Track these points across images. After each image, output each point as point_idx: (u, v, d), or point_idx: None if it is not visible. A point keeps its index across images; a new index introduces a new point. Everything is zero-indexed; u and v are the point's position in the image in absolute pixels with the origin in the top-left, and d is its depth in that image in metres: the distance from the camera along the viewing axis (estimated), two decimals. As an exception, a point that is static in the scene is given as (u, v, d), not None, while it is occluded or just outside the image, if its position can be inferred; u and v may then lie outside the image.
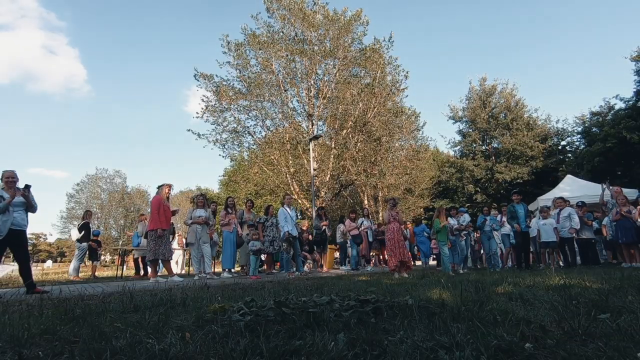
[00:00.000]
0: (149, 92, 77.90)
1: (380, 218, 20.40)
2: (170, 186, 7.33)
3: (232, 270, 8.61)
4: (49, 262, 47.39)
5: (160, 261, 7.44)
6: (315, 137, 14.29)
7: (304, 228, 10.50)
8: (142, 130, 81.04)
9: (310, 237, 10.54)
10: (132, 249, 10.38)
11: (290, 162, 16.31)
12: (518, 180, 25.28)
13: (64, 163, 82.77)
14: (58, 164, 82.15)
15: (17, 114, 71.51)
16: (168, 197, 7.31)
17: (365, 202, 20.96)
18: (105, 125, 76.95)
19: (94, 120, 75.85)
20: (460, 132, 30.12)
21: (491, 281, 4.13)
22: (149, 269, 7.70)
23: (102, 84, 76.16)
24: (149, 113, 79.75)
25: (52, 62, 72.38)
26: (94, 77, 75.49)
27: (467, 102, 29.59)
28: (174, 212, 7.39)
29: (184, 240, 11.68)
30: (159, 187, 7.28)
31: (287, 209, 8.27)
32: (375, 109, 16.47)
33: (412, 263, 8.23)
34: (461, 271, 7.93)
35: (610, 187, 8.39)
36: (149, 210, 7.66)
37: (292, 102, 16.52)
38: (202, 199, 8.06)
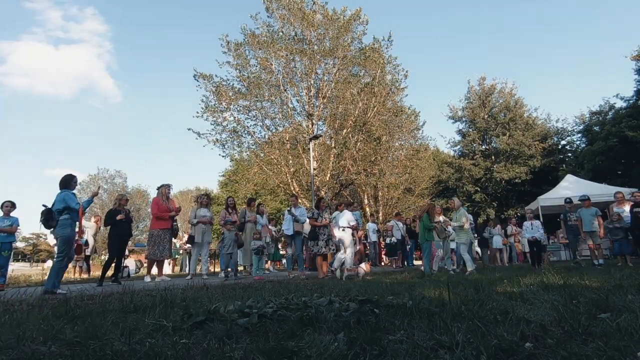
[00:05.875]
0: (153, 92, 77.48)
1: (381, 218, 20.40)
2: (169, 186, 7.37)
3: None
4: (49, 262, 47.37)
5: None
6: (315, 137, 14.28)
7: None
8: (145, 131, 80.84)
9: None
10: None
11: (290, 161, 16.30)
12: (516, 180, 25.28)
13: (71, 164, 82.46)
14: (69, 164, 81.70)
15: (27, 117, 71.17)
16: (167, 197, 7.33)
17: (366, 201, 20.95)
18: (109, 126, 76.65)
19: (102, 122, 75.42)
20: (459, 132, 30.11)
21: (491, 281, 4.13)
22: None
23: (126, 87, 75.81)
24: (153, 113, 79.47)
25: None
26: (119, 81, 74.82)
27: (466, 101, 29.57)
28: (173, 211, 7.33)
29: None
30: (158, 188, 7.34)
31: (293, 210, 8.19)
32: (375, 108, 16.45)
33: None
34: (451, 272, 7.89)
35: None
36: (149, 210, 7.66)
37: (291, 101, 16.50)
38: (205, 199, 8.09)
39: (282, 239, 11.29)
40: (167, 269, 10.30)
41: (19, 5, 65.38)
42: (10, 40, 66.97)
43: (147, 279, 6.67)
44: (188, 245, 11.60)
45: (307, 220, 8.04)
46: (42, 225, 4.95)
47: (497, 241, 12.14)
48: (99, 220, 10.71)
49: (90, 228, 10.02)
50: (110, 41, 74.54)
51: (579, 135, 26.85)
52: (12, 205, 6.24)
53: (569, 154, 27.60)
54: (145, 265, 9.91)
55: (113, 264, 6.71)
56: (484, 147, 28.73)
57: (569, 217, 9.01)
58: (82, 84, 73.04)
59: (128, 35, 74.23)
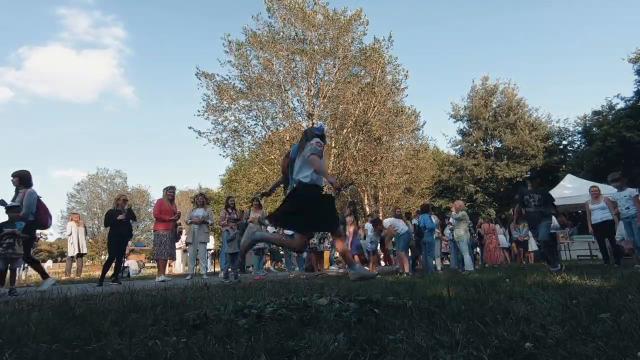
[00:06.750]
0: (152, 92, 77.07)
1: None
2: (172, 189, 7.44)
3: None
4: (49, 262, 47.40)
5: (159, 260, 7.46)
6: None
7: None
8: (144, 130, 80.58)
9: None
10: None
11: (291, 161, 16.30)
12: (518, 179, 25.28)
13: (71, 164, 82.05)
14: (69, 164, 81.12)
15: (28, 118, 70.64)
16: (172, 199, 7.39)
17: (366, 201, 20.94)
18: (111, 126, 76.27)
19: (102, 122, 74.82)
20: (461, 131, 30.14)
21: (491, 281, 4.13)
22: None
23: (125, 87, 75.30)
24: (152, 113, 79.16)
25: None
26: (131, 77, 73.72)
27: (469, 100, 29.61)
28: (176, 214, 7.34)
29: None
30: (164, 190, 7.44)
31: None
32: (375, 108, 16.47)
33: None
34: (461, 271, 7.93)
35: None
36: (149, 210, 7.69)
37: (292, 101, 16.54)
38: (201, 199, 8.14)
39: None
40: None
41: (44, 11, 64.38)
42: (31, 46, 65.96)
43: (161, 278, 6.69)
44: (185, 246, 11.62)
45: None
46: None
47: (502, 240, 12.24)
48: (78, 218, 11.00)
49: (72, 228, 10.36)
50: (115, 40, 74.41)
51: (579, 135, 26.91)
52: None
53: (569, 154, 27.63)
54: (147, 264, 9.92)
55: (113, 264, 6.76)
56: (484, 147, 28.78)
57: (527, 200, 6.12)
58: (83, 84, 72.94)
59: (132, 37, 74.11)
